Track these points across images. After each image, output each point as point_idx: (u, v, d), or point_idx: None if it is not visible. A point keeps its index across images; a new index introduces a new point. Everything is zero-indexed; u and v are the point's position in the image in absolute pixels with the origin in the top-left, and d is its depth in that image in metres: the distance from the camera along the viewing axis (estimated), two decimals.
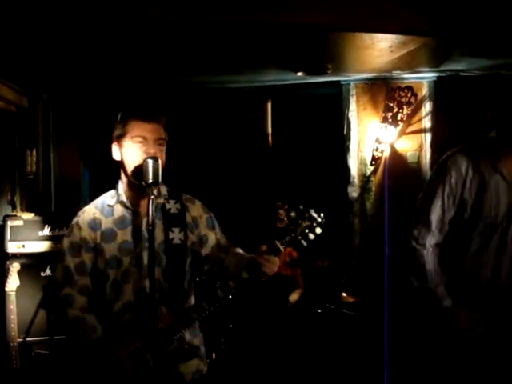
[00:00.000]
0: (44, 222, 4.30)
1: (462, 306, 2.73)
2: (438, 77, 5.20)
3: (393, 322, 4.35)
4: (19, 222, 4.25)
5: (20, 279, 4.08)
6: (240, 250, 2.74)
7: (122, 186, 2.66)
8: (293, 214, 2.49)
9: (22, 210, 5.07)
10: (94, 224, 2.60)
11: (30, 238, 4.24)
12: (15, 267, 4.10)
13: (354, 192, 5.40)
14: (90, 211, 2.64)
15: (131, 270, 2.58)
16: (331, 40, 3.85)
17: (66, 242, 2.60)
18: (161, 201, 2.65)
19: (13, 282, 4.05)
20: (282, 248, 2.49)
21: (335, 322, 4.54)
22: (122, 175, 2.63)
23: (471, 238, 2.79)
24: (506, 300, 2.76)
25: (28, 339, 4.10)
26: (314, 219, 2.50)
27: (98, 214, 2.62)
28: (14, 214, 4.76)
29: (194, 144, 5.91)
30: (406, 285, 2.93)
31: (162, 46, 3.94)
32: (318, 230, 2.50)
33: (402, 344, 4.20)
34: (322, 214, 2.52)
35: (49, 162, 5.53)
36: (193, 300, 2.72)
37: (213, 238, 2.74)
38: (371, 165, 5.31)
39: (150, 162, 2.42)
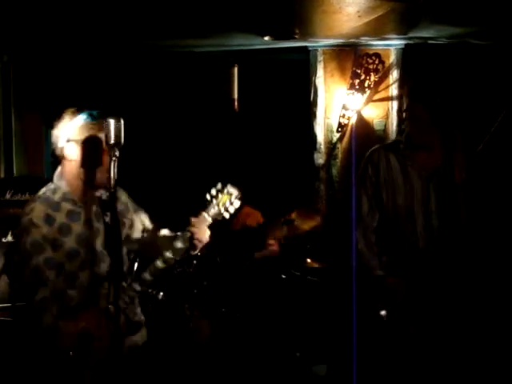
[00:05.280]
0: (6, 187, 4.22)
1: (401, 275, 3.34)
2: (405, 44, 5.17)
3: (361, 288, 4.40)
4: None
5: None
6: (166, 231, 2.87)
7: (63, 181, 2.65)
8: (213, 190, 2.67)
9: None
10: (49, 220, 2.57)
11: None
12: None
13: (320, 159, 5.40)
14: (39, 208, 2.59)
15: (86, 258, 2.63)
16: (299, 3, 3.81)
17: (27, 243, 2.52)
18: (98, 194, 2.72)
19: None
20: (209, 219, 2.66)
21: (300, 287, 4.56)
22: (69, 169, 2.63)
23: (403, 221, 3.35)
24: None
25: None
26: (232, 194, 2.68)
27: (49, 211, 2.59)
28: None
29: (160, 108, 5.84)
30: None
31: (125, 6, 3.85)
32: (237, 203, 2.70)
33: (369, 310, 4.25)
34: (237, 188, 2.70)
35: (10, 125, 5.41)
36: (133, 274, 2.85)
37: (138, 221, 2.87)
38: (338, 131, 5.30)
39: (112, 121, 2.33)
